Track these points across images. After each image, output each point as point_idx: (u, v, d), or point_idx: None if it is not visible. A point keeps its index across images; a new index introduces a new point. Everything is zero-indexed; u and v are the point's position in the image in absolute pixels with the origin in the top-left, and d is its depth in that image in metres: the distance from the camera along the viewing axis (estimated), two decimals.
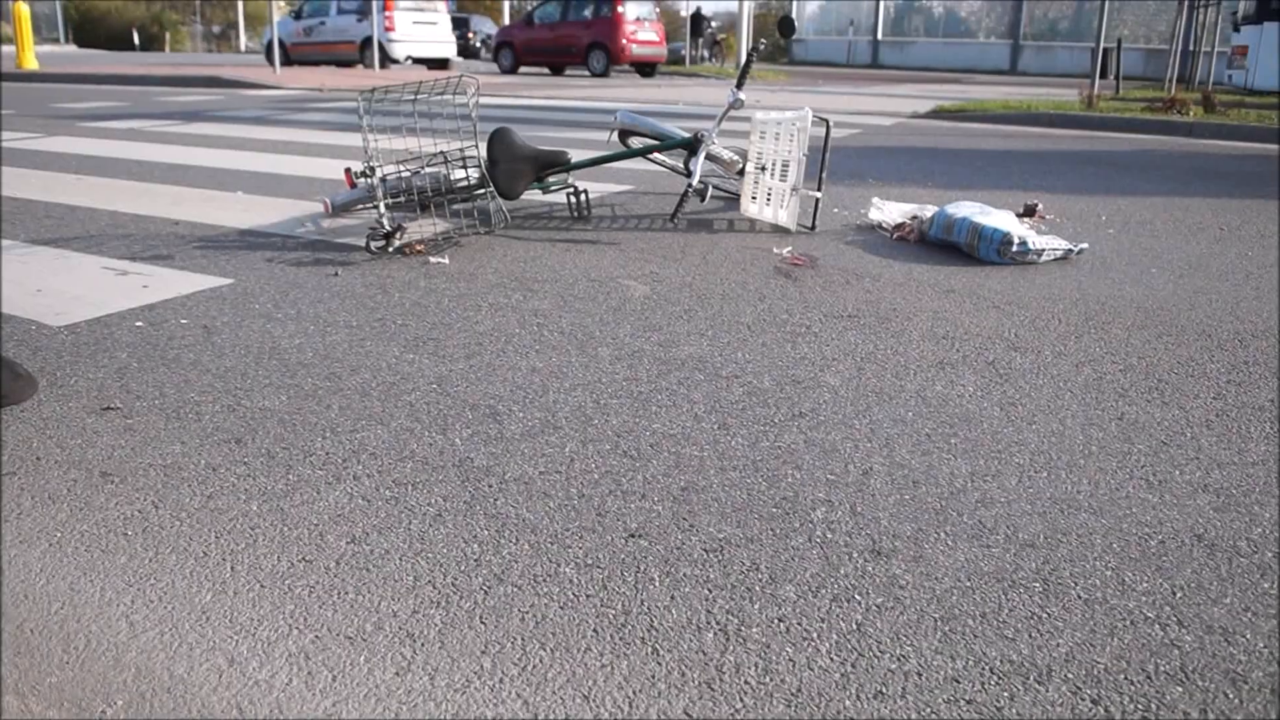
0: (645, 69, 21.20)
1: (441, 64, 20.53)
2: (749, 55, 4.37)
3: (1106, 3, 10.94)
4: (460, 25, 27.64)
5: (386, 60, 19.40)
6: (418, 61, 20.08)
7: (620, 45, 19.85)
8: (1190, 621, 1.48)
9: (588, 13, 20.47)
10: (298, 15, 20.35)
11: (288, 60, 20.15)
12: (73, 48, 40.48)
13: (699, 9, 27.41)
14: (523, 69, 21.77)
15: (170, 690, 1.29)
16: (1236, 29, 13.71)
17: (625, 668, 1.35)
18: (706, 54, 27.62)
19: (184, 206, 4.60)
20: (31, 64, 16.50)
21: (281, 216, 4.40)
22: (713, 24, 28.09)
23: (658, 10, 21.46)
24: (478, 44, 31.10)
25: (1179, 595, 1.55)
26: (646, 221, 4.45)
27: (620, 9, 19.85)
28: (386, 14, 19.06)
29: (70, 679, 1.31)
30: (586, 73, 20.78)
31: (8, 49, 20.87)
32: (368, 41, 19.22)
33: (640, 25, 20.24)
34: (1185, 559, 1.65)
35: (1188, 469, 2.00)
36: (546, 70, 21.94)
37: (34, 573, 1.55)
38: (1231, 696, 1.31)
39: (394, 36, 19.34)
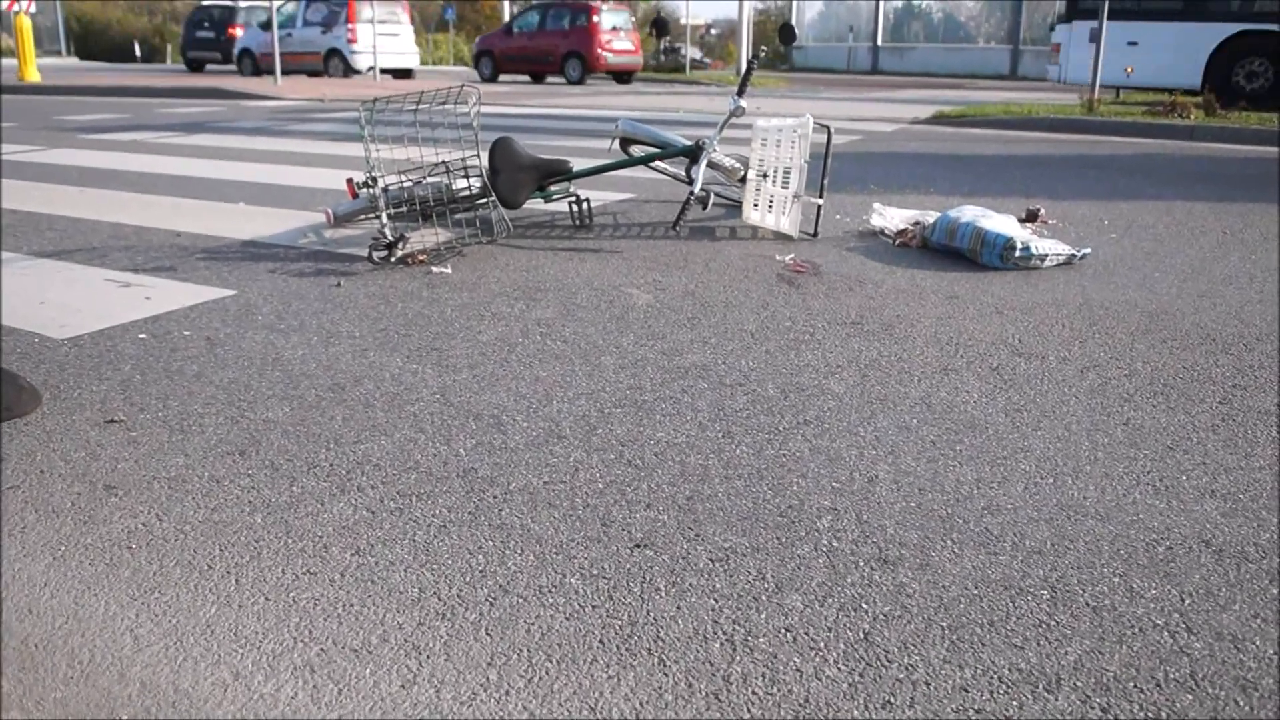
0: (622, 76, 21.79)
1: (405, 74, 21.04)
2: (749, 63, 4.38)
3: (1106, 5, 10.93)
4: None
5: (349, 70, 20.11)
6: (383, 72, 20.46)
7: (595, 54, 20.56)
8: (1199, 628, 1.47)
9: (564, 23, 21.10)
10: (265, 26, 20.47)
11: (256, 70, 20.87)
12: (74, 60, 40.57)
13: (659, 13, 28.64)
14: (502, 77, 22.29)
15: (175, 704, 1.28)
16: (1052, 29, 15.01)
17: (632, 679, 1.34)
18: (663, 59, 28.67)
19: (186, 218, 4.60)
20: (34, 76, 16.54)
21: (284, 227, 4.40)
22: (672, 41, 29.44)
23: (633, 20, 22.21)
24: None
25: (1187, 602, 1.54)
26: (649, 230, 4.45)
27: (595, 19, 20.56)
28: (349, 26, 19.73)
29: (75, 694, 1.30)
30: (563, 80, 21.32)
31: (10, 61, 20.94)
32: (332, 52, 20.11)
33: (615, 35, 20.95)
34: (1193, 565, 1.65)
35: (1194, 474, 2.00)
36: (526, 79, 22.40)
37: (38, 586, 1.55)
38: (1242, 704, 1.31)
39: (356, 48, 19.95)
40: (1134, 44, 13.37)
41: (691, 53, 28.23)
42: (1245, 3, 12.62)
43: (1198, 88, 12.85)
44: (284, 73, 17.86)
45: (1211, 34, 12.88)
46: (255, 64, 20.90)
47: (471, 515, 1.79)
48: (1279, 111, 12.07)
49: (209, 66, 25.70)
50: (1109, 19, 12.66)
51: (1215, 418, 2.30)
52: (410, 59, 20.94)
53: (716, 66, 37.72)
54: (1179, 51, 13.04)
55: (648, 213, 4.87)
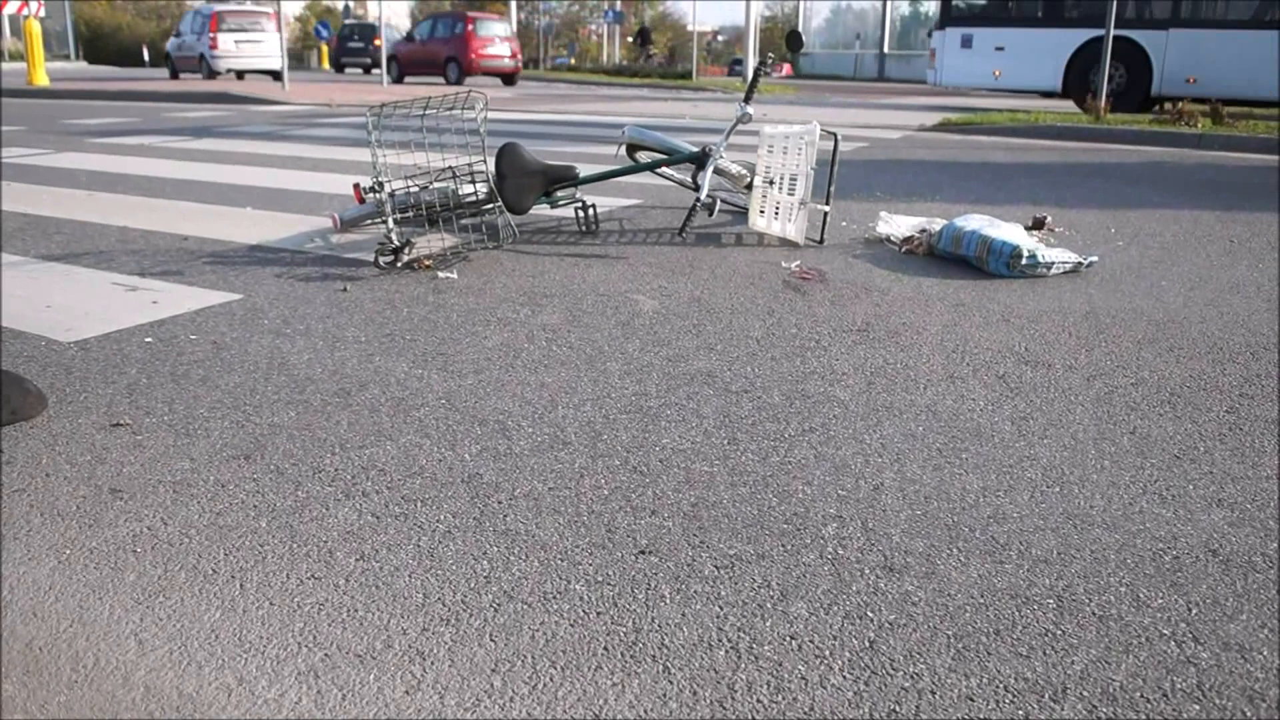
0: (507, 78, 24.52)
1: (274, 74, 22.67)
2: (756, 69, 4.38)
3: (1111, 10, 10.93)
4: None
5: (212, 73, 23.17)
6: (243, 73, 23.72)
7: (469, 59, 23.20)
8: (1206, 638, 1.46)
9: (449, 31, 24.04)
10: (178, 34, 24.82)
11: (175, 72, 24.72)
12: (83, 64, 40.75)
13: (643, 25, 32.57)
14: (407, 79, 24.92)
15: (179, 709, 1.28)
16: (929, 35, 16.09)
17: (636, 686, 1.34)
18: (642, 63, 31.82)
19: (193, 222, 4.61)
20: (43, 80, 16.61)
21: (290, 232, 4.41)
22: (650, 50, 33.06)
23: (513, 29, 25.45)
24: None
25: (1194, 611, 1.53)
26: (655, 236, 4.45)
27: (470, 28, 23.36)
28: (211, 34, 22.77)
29: (79, 698, 1.30)
30: (443, 81, 24.03)
31: (20, 65, 21.04)
32: (200, 56, 23.42)
33: (490, 42, 23.65)
34: (1200, 574, 1.64)
35: (1201, 483, 1.99)
36: (424, 80, 24.89)
37: (42, 590, 1.55)
38: (1249, 714, 1.30)
39: (217, 53, 22.88)
40: (1001, 49, 14.50)
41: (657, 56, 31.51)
42: (1100, 10, 13.01)
43: (1058, 90, 14.12)
44: (186, 73, 22.83)
45: (1070, 40, 13.86)
46: (174, 66, 24.94)
47: (476, 521, 1.79)
48: (1133, 109, 13.25)
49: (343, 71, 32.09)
50: (978, 26, 14.49)
51: (1222, 426, 2.30)
52: (274, 61, 22.32)
53: (713, 73, 38.29)
54: (1041, 56, 14.08)
55: (654, 219, 4.87)
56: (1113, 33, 12.40)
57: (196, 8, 25.20)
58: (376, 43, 27.94)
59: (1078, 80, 13.85)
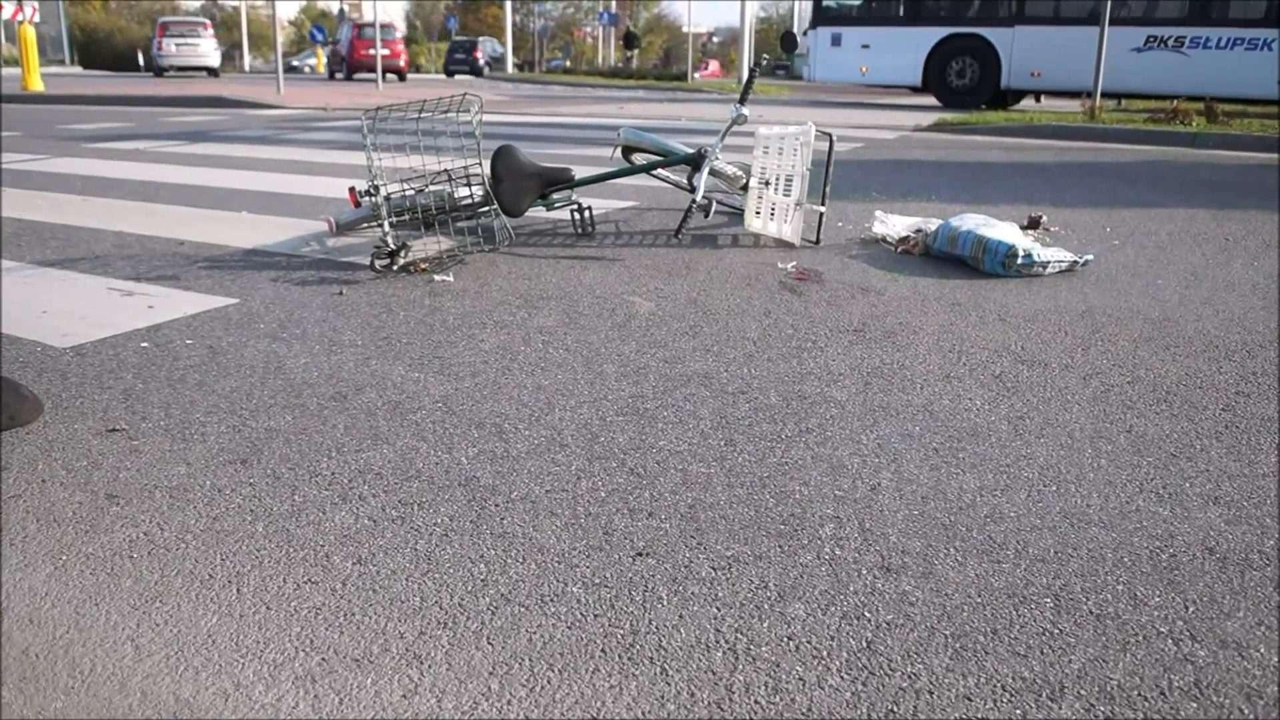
0: (399, 74, 29.11)
1: (212, 71, 30.05)
2: (751, 71, 4.38)
3: (1107, 10, 10.95)
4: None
5: (160, 71, 29.56)
6: (181, 70, 29.89)
7: (356, 59, 28.21)
8: (1204, 636, 1.46)
9: (348, 35, 29.16)
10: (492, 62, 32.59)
11: (160, 71, 30.17)
12: (78, 69, 40.72)
13: (629, 29, 36.84)
14: (337, 75, 30.02)
15: (176, 715, 1.28)
16: (805, 34, 17.10)
17: (634, 688, 1.34)
18: (625, 65, 35.33)
19: (189, 226, 4.61)
20: (37, 86, 16.59)
21: (286, 236, 4.41)
22: (634, 54, 36.23)
23: (398, 31, 30.79)
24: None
25: (1191, 609, 1.53)
26: (651, 237, 4.45)
27: (355, 34, 28.53)
28: (159, 39, 29.66)
29: (76, 704, 1.30)
30: (341, 76, 29.32)
31: (14, 71, 21.03)
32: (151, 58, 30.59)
33: (371, 43, 25.78)
34: (1197, 573, 1.64)
35: (1198, 481, 1.99)
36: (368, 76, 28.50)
37: (39, 596, 1.55)
38: (1247, 712, 1.30)
39: (163, 55, 29.56)
40: (867, 47, 15.59)
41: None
42: (954, 9, 14.81)
43: (919, 85, 15.20)
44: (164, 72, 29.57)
45: (927, 38, 14.90)
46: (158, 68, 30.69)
47: (473, 524, 1.79)
48: (985, 103, 14.60)
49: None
50: (846, 25, 15.67)
51: (1218, 425, 2.30)
52: (211, 59, 30.14)
53: (713, 74, 39.52)
54: (902, 53, 15.10)
55: (650, 221, 4.87)
56: (964, 30, 14.35)
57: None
58: (476, 54, 37.13)
59: (936, 75, 14.93)
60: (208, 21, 31.36)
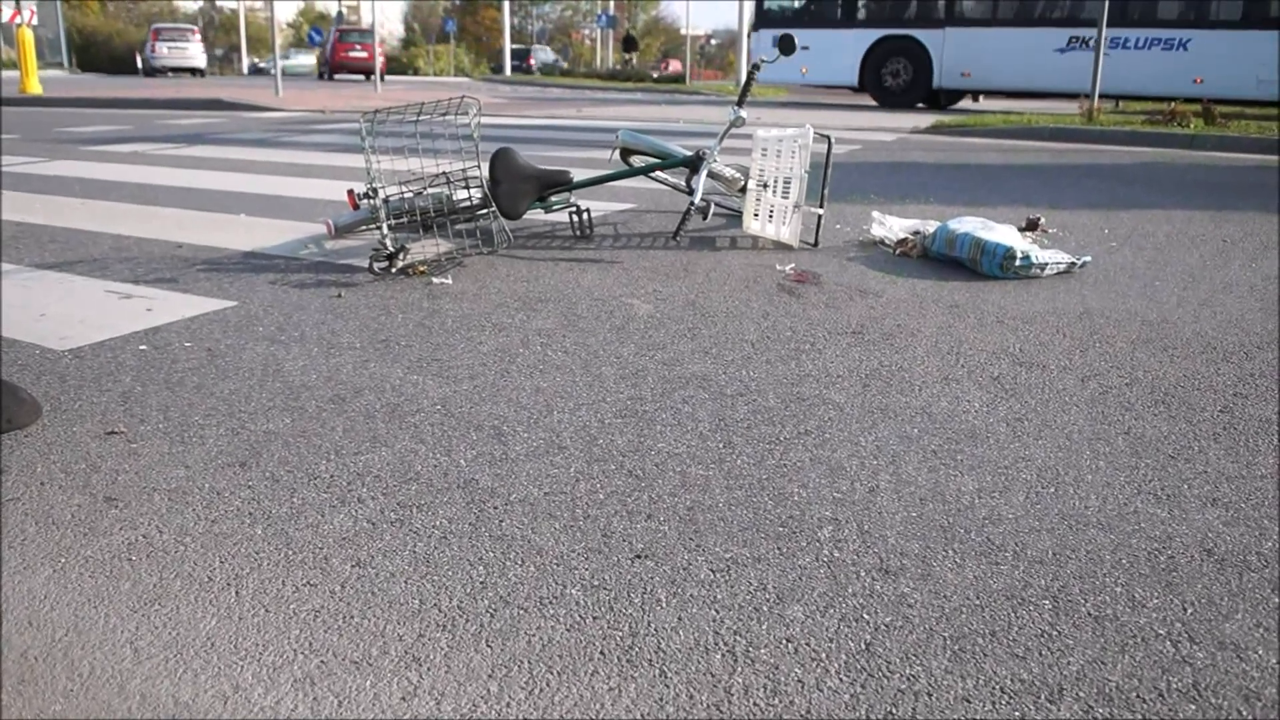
0: (368, 73, 30.66)
1: (198, 72, 34.34)
2: (749, 73, 4.38)
3: (1105, 9, 10.97)
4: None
5: (154, 71, 33.37)
6: (175, 70, 33.70)
7: (336, 61, 31.34)
8: (1202, 638, 1.46)
9: (331, 38, 31.86)
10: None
11: (153, 72, 33.89)
12: (76, 72, 40.76)
13: (628, 33, 39.28)
14: (324, 76, 32.65)
15: (175, 717, 1.28)
16: (748, 37, 18.12)
17: (633, 690, 1.34)
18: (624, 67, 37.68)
19: (187, 229, 4.61)
20: (35, 89, 16.57)
21: (284, 238, 4.41)
22: (631, 56, 38.39)
23: (372, 38, 32.59)
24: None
25: (1190, 611, 1.53)
26: (649, 240, 4.46)
27: (336, 38, 31.69)
28: (152, 42, 34.10)
29: (74, 706, 1.30)
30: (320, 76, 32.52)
31: (12, 74, 21.04)
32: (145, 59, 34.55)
33: (352, 46, 31.20)
34: (1195, 574, 1.64)
35: (1196, 483, 1.99)
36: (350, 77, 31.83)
37: (38, 599, 1.54)
38: (1245, 714, 1.30)
39: (155, 57, 33.77)
40: (806, 48, 15.42)
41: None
42: (888, 12, 15.49)
43: (856, 85, 15.88)
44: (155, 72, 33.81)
45: (863, 39, 15.62)
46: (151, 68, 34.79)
47: (472, 526, 1.79)
48: (918, 103, 15.39)
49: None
50: (787, 27, 15.84)
51: (1216, 426, 2.30)
52: (197, 60, 34.57)
53: (709, 76, 40.29)
54: (840, 54, 15.76)
55: (648, 223, 4.88)
56: (897, 32, 15.08)
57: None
58: (530, 61, 42.47)
59: (872, 75, 15.66)
60: (195, 28, 36.71)
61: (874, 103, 15.85)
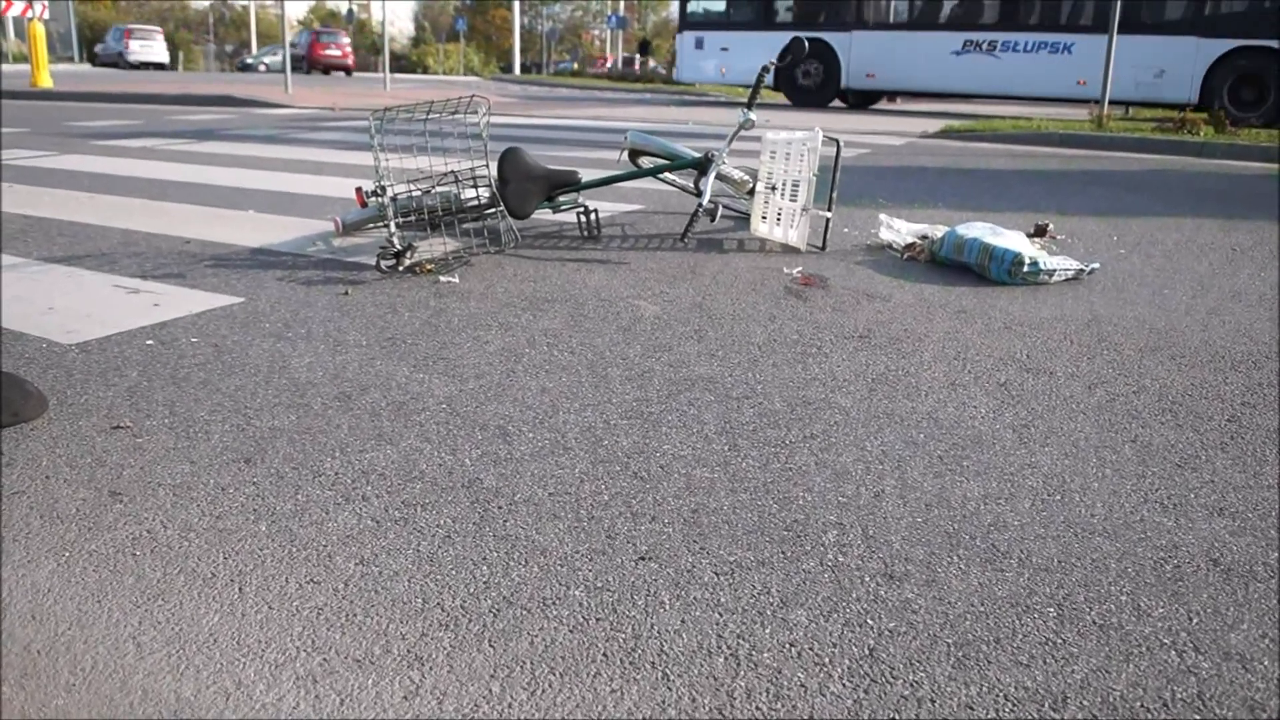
0: (345, 71, 36.81)
1: (163, 65, 39.25)
2: (759, 76, 4.38)
3: (1115, 14, 10.94)
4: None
5: (129, 65, 37.18)
6: (144, 64, 37.84)
7: (313, 58, 35.67)
8: (1207, 648, 1.46)
9: (308, 39, 36.90)
10: (104, 42, 41.28)
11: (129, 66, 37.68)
12: (87, 66, 40.96)
13: (644, 39, 42.44)
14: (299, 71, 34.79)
15: (177, 714, 1.28)
16: (675, 38, 19.26)
17: (635, 693, 1.34)
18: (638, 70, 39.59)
19: (196, 225, 4.62)
20: (46, 82, 16.61)
21: (293, 235, 4.42)
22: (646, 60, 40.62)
23: (346, 36, 37.89)
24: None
25: (1195, 621, 1.53)
26: (657, 241, 4.45)
27: (314, 39, 36.73)
28: (126, 41, 38.63)
29: (77, 701, 1.30)
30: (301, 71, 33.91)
31: (24, 67, 21.10)
32: (120, 54, 38.54)
33: (328, 45, 36.36)
34: (1201, 584, 1.64)
35: (1203, 492, 1.99)
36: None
37: (42, 593, 1.55)
38: None
39: (129, 52, 38.18)
40: (726, 50, 17.33)
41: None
42: (801, 15, 16.47)
43: (772, 85, 16.36)
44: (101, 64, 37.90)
45: (777, 41, 15.55)
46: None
47: (476, 526, 1.79)
48: (831, 100, 16.32)
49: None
50: (707, 30, 17.47)
51: (1224, 435, 2.29)
52: (161, 57, 39.95)
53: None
54: (756, 55, 15.81)
55: (656, 224, 4.87)
56: (809, 34, 14.51)
57: (116, 24, 44.22)
58: (574, 64, 46.46)
59: (786, 75, 16.46)
60: (160, 30, 42.97)
61: (788, 102, 16.78)
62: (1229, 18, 12.59)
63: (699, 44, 17.79)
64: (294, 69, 34.77)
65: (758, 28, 16.89)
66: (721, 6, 17.53)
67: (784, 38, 15.28)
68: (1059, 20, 14.16)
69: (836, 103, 17.22)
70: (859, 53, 15.87)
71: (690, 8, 17.92)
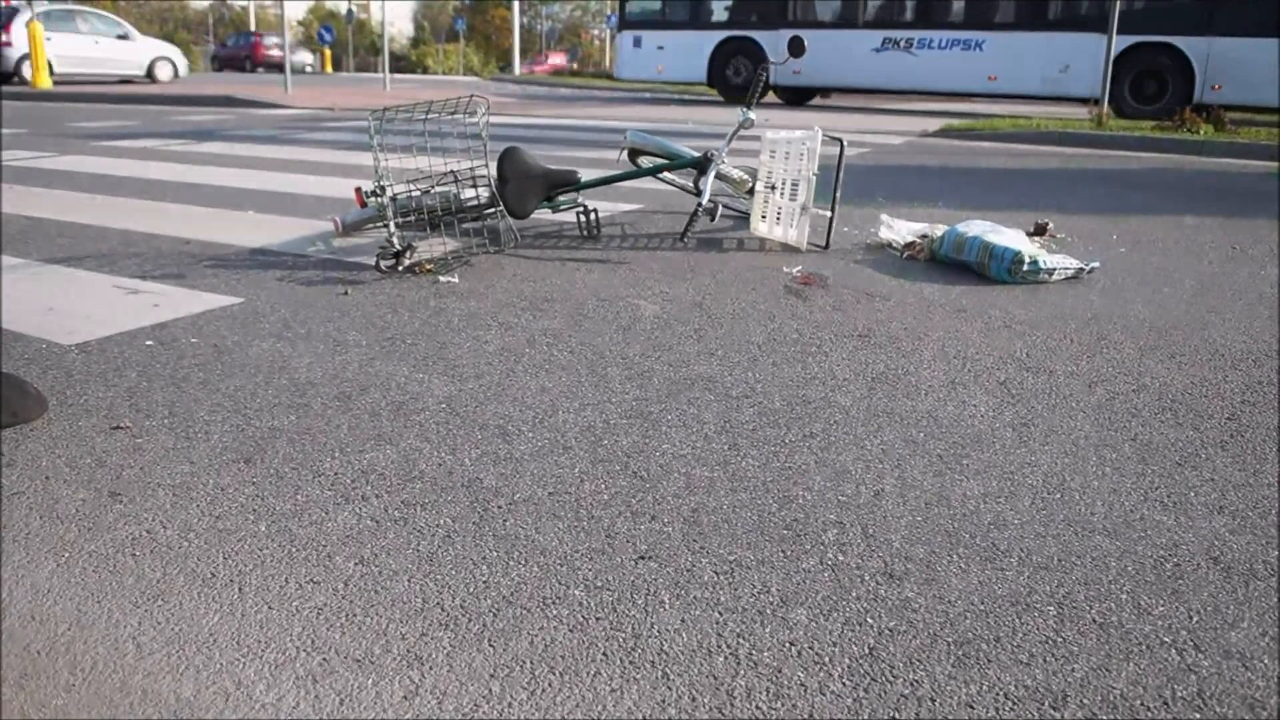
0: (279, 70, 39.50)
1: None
2: (759, 75, 4.37)
3: (1115, 17, 10.93)
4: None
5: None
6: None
7: (257, 58, 37.28)
8: (1207, 646, 1.46)
9: (248, 40, 38.95)
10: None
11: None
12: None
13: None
14: (226, 70, 37.86)
15: (176, 714, 1.28)
16: (612, 39, 20.63)
17: (635, 692, 1.34)
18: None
19: (195, 225, 4.62)
20: (46, 83, 16.62)
21: (292, 235, 4.42)
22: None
23: (290, 35, 42.73)
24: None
25: (1195, 619, 1.53)
26: (656, 240, 4.45)
27: (259, 40, 38.54)
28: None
29: (76, 702, 1.30)
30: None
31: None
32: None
33: (271, 47, 36.95)
34: (1201, 582, 1.64)
35: (1203, 490, 1.99)
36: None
37: (42, 593, 1.55)
38: None
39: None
40: (662, 48, 17.87)
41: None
42: (732, 15, 16.90)
43: (705, 81, 17.34)
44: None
45: (710, 40, 17.10)
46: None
47: (476, 525, 1.79)
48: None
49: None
50: (645, 29, 18.04)
51: (1223, 433, 2.29)
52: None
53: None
54: (690, 53, 17.26)
55: (656, 224, 4.87)
56: (739, 34, 16.55)
57: None
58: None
59: (719, 73, 17.04)
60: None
61: (720, 97, 17.24)
62: (1130, 15, 12.79)
63: (637, 43, 18.28)
64: (238, 69, 38.91)
65: (691, 27, 17.37)
66: (658, 6, 17.96)
67: (717, 37, 15.20)
68: (970, 19, 14.72)
69: (771, 96, 17.78)
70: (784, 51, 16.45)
71: (629, 8, 18.40)
